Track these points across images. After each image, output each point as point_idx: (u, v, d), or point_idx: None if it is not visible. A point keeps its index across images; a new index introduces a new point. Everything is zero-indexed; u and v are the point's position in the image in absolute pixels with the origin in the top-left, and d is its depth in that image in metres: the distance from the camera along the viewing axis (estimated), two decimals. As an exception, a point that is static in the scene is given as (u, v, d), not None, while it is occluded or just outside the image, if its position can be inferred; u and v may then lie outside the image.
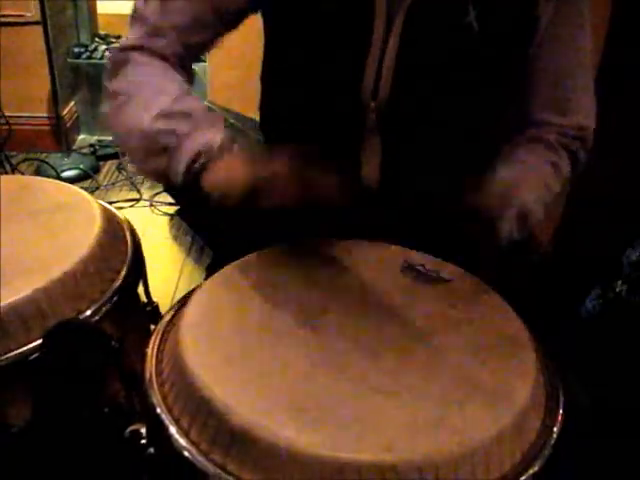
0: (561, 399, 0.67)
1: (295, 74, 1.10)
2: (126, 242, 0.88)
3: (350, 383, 0.63)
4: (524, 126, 1.08)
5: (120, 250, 0.86)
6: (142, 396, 0.67)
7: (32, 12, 2.93)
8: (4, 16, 2.96)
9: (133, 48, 1.01)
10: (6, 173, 2.76)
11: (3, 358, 0.69)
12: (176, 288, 2.24)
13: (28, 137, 3.05)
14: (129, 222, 0.94)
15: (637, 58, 1.94)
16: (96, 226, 0.85)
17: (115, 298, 0.79)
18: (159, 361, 0.70)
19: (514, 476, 0.60)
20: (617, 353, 1.83)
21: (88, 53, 3.28)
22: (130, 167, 3.01)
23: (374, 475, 0.55)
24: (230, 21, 1.06)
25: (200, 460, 0.59)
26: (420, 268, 0.78)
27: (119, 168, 3.05)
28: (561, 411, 0.66)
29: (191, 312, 0.72)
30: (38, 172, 2.92)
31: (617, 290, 2.08)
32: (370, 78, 1.02)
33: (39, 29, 2.86)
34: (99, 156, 3.11)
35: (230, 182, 0.83)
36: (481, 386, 0.63)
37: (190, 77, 1.07)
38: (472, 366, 0.65)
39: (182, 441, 0.61)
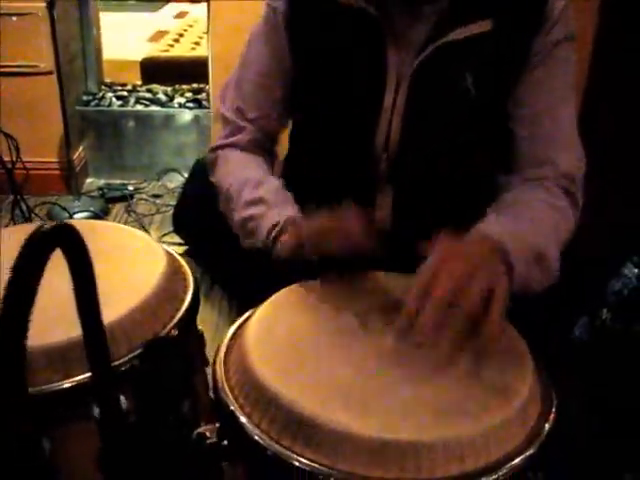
0: (554, 397, 0.83)
1: (318, 132, 1.27)
2: (185, 278, 1.04)
3: (386, 381, 0.80)
4: (521, 166, 1.19)
5: (182, 284, 1.02)
6: (216, 399, 0.83)
7: (45, 63, 3.09)
8: (19, 66, 3.13)
9: (222, 147, 1.26)
10: (22, 216, 2.90)
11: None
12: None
13: (40, 181, 3.18)
14: (183, 260, 1.10)
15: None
16: (162, 264, 1.01)
17: (182, 324, 0.95)
18: (227, 370, 0.86)
19: (516, 454, 0.76)
20: (606, 377, 1.99)
21: (96, 101, 3.45)
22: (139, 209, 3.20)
23: (410, 451, 0.72)
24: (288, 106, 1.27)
25: (271, 444, 0.75)
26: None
27: (128, 210, 3.22)
28: (554, 406, 0.83)
29: (252, 329, 0.88)
30: (50, 215, 3.07)
31: (603, 318, 2.24)
32: (382, 135, 1.18)
33: (51, 78, 3.04)
34: (108, 198, 3.25)
35: (294, 247, 1.02)
36: (490, 383, 0.80)
37: (271, 155, 1.31)
38: (481, 368, 0.82)
39: (256, 431, 0.77)
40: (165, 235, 2.98)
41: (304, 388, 0.78)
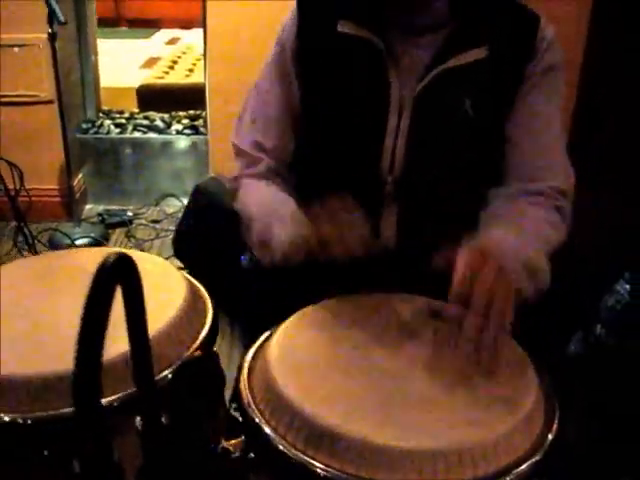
0: (557, 407, 0.90)
1: (325, 155, 1.33)
2: (204, 301, 1.11)
3: (402, 393, 0.86)
4: (516, 184, 1.25)
5: (201, 308, 1.08)
6: (243, 415, 0.89)
7: (46, 92, 3.16)
8: (20, 96, 3.20)
9: (240, 177, 1.33)
10: (25, 242, 2.95)
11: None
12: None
13: (41, 208, 3.24)
14: (201, 286, 1.16)
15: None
16: (182, 288, 1.07)
17: (204, 346, 1.01)
18: (251, 388, 0.92)
19: (523, 461, 0.82)
20: (604, 385, 2.05)
21: (95, 128, 3.52)
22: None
23: (427, 458, 0.78)
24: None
25: (297, 454, 0.81)
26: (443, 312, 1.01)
27: (128, 235, 3.27)
28: (557, 417, 0.89)
29: (273, 349, 0.94)
30: (52, 241, 3.12)
31: (597, 333, 2.31)
32: (387, 157, 1.25)
33: (52, 107, 3.10)
34: (108, 224, 3.31)
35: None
36: (498, 395, 0.86)
37: (286, 180, 1.35)
38: (488, 382, 0.89)
39: (282, 443, 0.83)
40: (165, 260, 3.03)
41: (325, 401, 0.84)
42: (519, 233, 1.14)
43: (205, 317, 1.07)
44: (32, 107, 3.21)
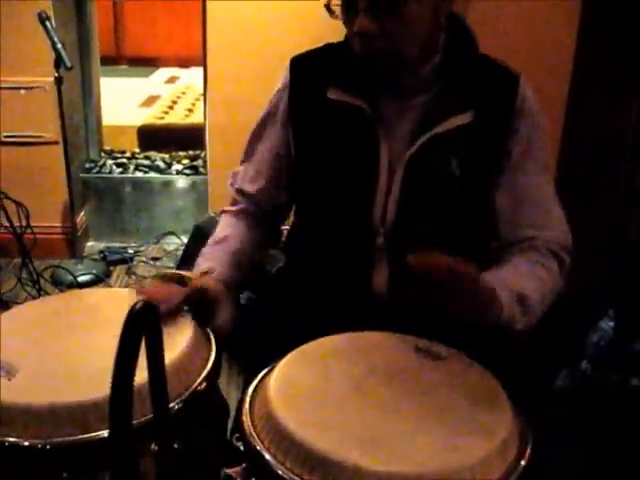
0: (529, 436, 0.99)
1: (319, 211, 1.42)
2: (209, 338, 1.20)
3: (390, 424, 0.96)
4: (515, 242, 1.34)
5: (206, 344, 1.18)
6: (245, 443, 0.98)
7: (50, 133, 3.27)
8: (26, 137, 3.31)
9: (224, 212, 1.49)
10: (30, 278, 3.04)
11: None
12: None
13: (44, 245, 3.32)
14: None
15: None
16: (190, 326, 1.17)
17: (209, 378, 1.11)
18: (252, 419, 1.01)
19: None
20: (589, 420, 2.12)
21: (97, 168, 3.63)
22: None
23: (412, 482, 0.87)
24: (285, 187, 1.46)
25: (294, 478, 0.90)
26: (427, 350, 1.11)
27: (128, 272, 3.37)
28: (529, 444, 0.98)
29: (273, 383, 1.04)
30: (55, 278, 3.21)
31: (583, 369, 2.40)
32: (378, 213, 1.33)
33: (56, 147, 3.21)
34: (109, 261, 3.40)
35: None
36: (475, 424, 0.96)
37: (261, 222, 1.50)
38: (466, 412, 0.98)
39: (280, 468, 0.92)
40: (166, 296, 3.11)
41: (320, 431, 0.93)
42: (515, 270, 1.26)
43: (209, 353, 1.16)
44: (37, 147, 3.32)
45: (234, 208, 1.49)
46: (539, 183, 1.35)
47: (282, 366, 1.09)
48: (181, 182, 3.63)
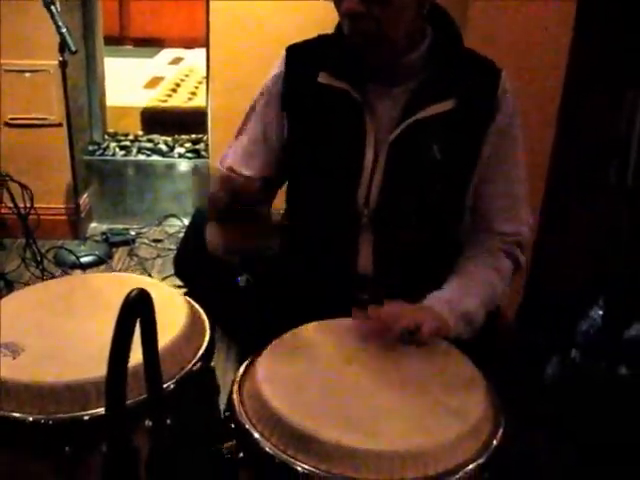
0: (502, 417, 1.06)
1: (308, 190, 1.49)
2: (202, 321, 1.26)
3: (368, 405, 1.02)
4: (477, 230, 1.44)
5: (201, 327, 1.25)
6: (234, 421, 1.04)
7: (55, 115, 3.31)
8: (31, 119, 3.35)
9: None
10: (33, 258, 3.10)
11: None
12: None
13: (48, 226, 3.37)
14: (199, 307, 1.31)
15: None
16: (184, 310, 1.23)
17: (201, 362, 1.17)
18: (241, 399, 1.08)
19: (470, 462, 0.98)
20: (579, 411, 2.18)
21: (101, 150, 3.68)
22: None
23: (386, 458, 0.94)
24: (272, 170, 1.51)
25: (279, 454, 0.97)
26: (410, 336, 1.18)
27: (130, 254, 3.43)
28: (502, 425, 1.05)
29: (261, 365, 1.11)
30: (58, 258, 3.26)
31: (572, 357, 2.46)
32: (362, 194, 1.40)
33: (60, 130, 3.26)
34: (111, 243, 3.45)
35: None
36: (449, 406, 1.02)
37: None
38: (442, 395, 1.05)
39: (267, 444, 0.99)
40: (166, 278, 3.16)
41: (305, 410, 1.00)
42: (463, 286, 1.36)
43: (204, 336, 1.23)
44: (42, 130, 3.36)
45: None
46: (507, 176, 1.42)
47: (270, 350, 1.15)
48: (183, 165, 3.68)
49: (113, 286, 1.31)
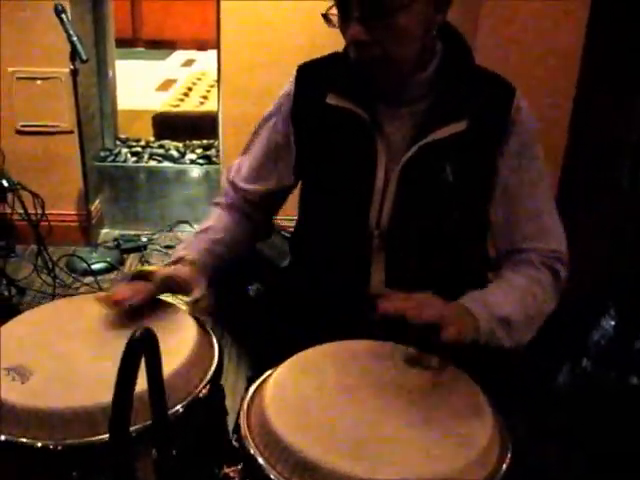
0: (509, 444, 1.05)
1: (320, 210, 1.49)
2: (211, 343, 1.27)
3: (377, 432, 1.02)
4: (510, 251, 1.40)
5: (209, 350, 1.24)
6: (241, 446, 1.05)
7: (66, 122, 3.33)
8: (42, 126, 3.37)
9: (215, 204, 1.56)
10: (45, 265, 3.12)
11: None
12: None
13: (59, 232, 3.39)
14: (207, 324, 1.32)
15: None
16: (193, 332, 1.23)
17: (209, 385, 1.17)
18: (249, 424, 1.08)
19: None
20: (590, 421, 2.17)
21: (113, 157, 3.70)
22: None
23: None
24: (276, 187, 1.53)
25: (285, 482, 0.97)
26: (417, 359, 1.18)
27: (141, 261, 3.44)
28: (509, 452, 1.04)
29: (269, 390, 1.11)
30: (69, 266, 3.28)
31: (583, 366, 2.45)
32: (374, 215, 1.39)
33: (72, 137, 3.28)
34: (123, 249, 3.48)
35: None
36: (456, 433, 1.02)
37: (248, 217, 1.56)
38: (450, 421, 1.04)
39: (272, 472, 0.99)
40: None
41: (310, 438, 0.99)
42: (502, 292, 1.31)
43: (212, 358, 1.23)
44: (53, 137, 3.39)
45: (224, 201, 1.56)
46: (532, 194, 1.39)
47: (278, 373, 1.15)
48: (194, 171, 3.70)
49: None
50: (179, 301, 1.37)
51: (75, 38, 2.92)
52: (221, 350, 1.24)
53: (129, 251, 3.49)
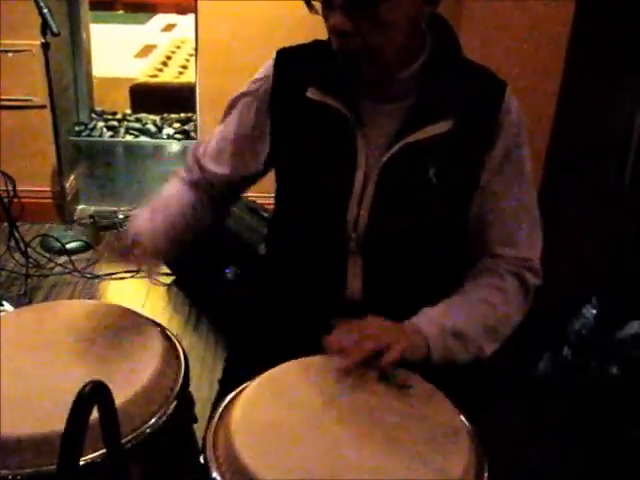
0: (485, 470, 1.01)
1: (295, 206, 1.42)
2: (178, 356, 1.22)
3: (345, 463, 0.97)
4: (482, 256, 1.35)
5: (174, 365, 1.19)
6: (206, 471, 1.00)
7: (39, 97, 3.25)
8: (14, 100, 3.28)
9: (178, 175, 1.49)
10: (17, 247, 3.05)
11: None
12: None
13: (33, 209, 3.33)
14: (175, 337, 1.27)
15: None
16: (158, 346, 1.18)
17: (175, 402, 1.13)
18: (215, 448, 1.03)
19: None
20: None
21: (88, 131, 3.61)
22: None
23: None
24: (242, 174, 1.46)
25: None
26: (391, 378, 1.13)
27: (117, 239, 3.37)
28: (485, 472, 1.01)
29: (237, 411, 1.06)
30: (44, 245, 3.22)
31: (564, 354, 2.44)
32: (351, 216, 1.32)
33: (45, 111, 3.19)
34: (99, 227, 3.40)
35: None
36: (430, 463, 0.97)
37: (209, 197, 1.49)
38: (424, 452, 1.00)
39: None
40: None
41: (279, 470, 0.95)
42: (454, 304, 1.29)
43: (179, 372, 1.18)
44: (26, 111, 3.30)
45: (187, 176, 1.49)
46: (510, 199, 1.33)
47: (248, 394, 1.10)
48: (172, 147, 3.61)
49: (85, 317, 1.26)
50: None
51: (46, 10, 2.83)
52: (187, 363, 1.19)
53: (105, 228, 3.42)
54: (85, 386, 0.68)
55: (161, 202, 1.43)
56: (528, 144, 1.35)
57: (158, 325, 1.28)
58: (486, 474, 1.02)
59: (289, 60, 1.39)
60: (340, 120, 1.30)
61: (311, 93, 1.32)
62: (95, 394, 0.67)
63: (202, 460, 1.04)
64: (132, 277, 3.04)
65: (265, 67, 1.41)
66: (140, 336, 1.22)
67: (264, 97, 1.39)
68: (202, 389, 2.20)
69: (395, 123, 1.29)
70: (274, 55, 1.40)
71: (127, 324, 1.25)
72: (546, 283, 2.21)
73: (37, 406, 1.05)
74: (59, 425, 0.94)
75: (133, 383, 1.08)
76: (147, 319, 1.28)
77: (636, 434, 2.11)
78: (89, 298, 2.91)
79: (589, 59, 2.10)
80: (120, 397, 1.03)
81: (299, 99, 1.33)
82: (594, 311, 2.37)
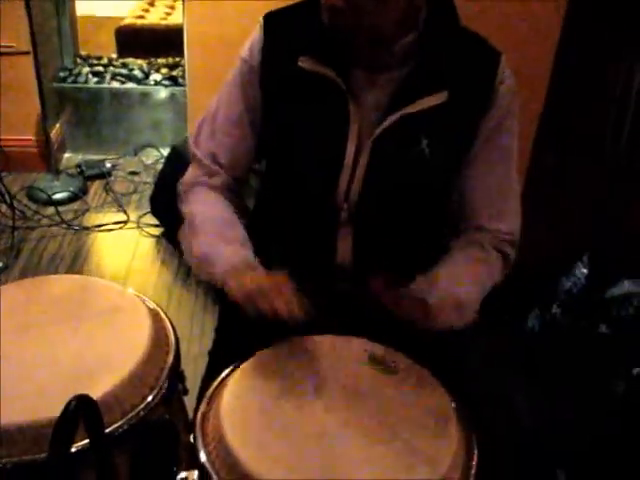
0: (475, 460, 1.02)
1: (285, 178, 1.40)
2: (167, 334, 1.20)
3: (335, 451, 0.97)
4: (467, 227, 1.35)
5: (166, 341, 1.18)
6: (195, 457, 1.00)
7: (22, 43, 3.16)
8: (-4, 47, 3.19)
9: (194, 184, 1.37)
10: (2, 199, 3.00)
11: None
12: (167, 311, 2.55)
13: (19, 158, 3.28)
14: (166, 314, 1.25)
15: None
16: (147, 326, 1.16)
17: (166, 383, 1.12)
18: (204, 434, 1.03)
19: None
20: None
21: (73, 77, 3.52)
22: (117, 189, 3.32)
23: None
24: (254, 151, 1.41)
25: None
26: (380, 361, 1.13)
27: (106, 189, 3.33)
28: (473, 470, 1.01)
29: (227, 395, 1.06)
30: (30, 197, 3.17)
31: (553, 312, 2.45)
32: (343, 187, 1.31)
33: (29, 58, 3.11)
34: (87, 176, 3.36)
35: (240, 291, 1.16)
36: (420, 452, 0.98)
37: (238, 197, 1.43)
38: (413, 441, 1.00)
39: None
40: (143, 216, 3.10)
41: (269, 461, 0.95)
42: (451, 273, 1.28)
43: (169, 353, 1.17)
44: (8, 58, 3.21)
45: (212, 182, 1.38)
46: (500, 171, 1.34)
47: (238, 377, 1.10)
48: (160, 93, 3.54)
49: (74, 293, 1.24)
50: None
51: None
52: (177, 343, 1.18)
53: (93, 178, 3.37)
54: (71, 401, 0.66)
55: (217, 225, 1.32)
56: (517, 115, 1.33)
57: (144, 302, 1.26)
58: (476, 451, 1.02)
59: (278, 26, 1.34)
60: (332, 90, 1.26)
61: (302, 62, 1.28)
62: (82, 407, 0.65)
63: (192, 440, 1.04)
64: (121, 229, 3.01)
65: (253, 39, 1.35)
66: (128, 315, 1.20)
67: (258, 65, 1.34)
68: (192, 343, 2.21)
69: (389, 93, 1.27)
70: (261, 21, 1.34)
71: (114, 302, 1.23)
72: (540, 240, 2.20)
73: (24, 392, 1.03)
74: (48, 413, 0.95)
75: (122, 368, 1.07)
76: (136, 295, 1.26)
77: (616, 389, 2.13)
78: (77, 251, 2.88)
79: (579, 55, 2.07)
80: (109, 384, 1.03)
81: (290, 68, 1.29)
82: (585, 270, 2.37)
